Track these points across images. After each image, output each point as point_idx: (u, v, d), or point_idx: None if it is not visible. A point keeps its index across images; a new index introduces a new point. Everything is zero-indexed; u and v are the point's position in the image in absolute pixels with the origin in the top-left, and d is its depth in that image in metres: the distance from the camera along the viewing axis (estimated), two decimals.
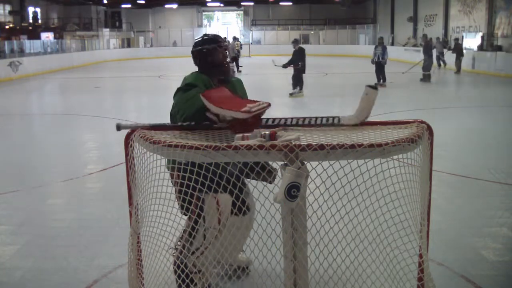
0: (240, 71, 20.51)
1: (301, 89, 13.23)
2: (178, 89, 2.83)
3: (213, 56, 2.94)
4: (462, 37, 24.63)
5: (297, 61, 12.81)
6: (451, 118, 10.03)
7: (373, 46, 16.29)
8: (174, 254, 2.80)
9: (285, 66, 12.98)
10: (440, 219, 4.39)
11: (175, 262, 2.75)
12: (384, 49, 15.62)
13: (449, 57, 20.44)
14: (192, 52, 3.05)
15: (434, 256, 3.53)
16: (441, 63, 21.02)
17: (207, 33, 3.39)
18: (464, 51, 20.58)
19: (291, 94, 13.13)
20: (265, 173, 2.68)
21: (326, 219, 2.25)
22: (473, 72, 20.02)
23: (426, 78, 16.67)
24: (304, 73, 13.14)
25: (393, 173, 2.20)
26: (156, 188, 2.28)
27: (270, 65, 23.84)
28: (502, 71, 18.26)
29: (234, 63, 20.11)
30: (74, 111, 11.77)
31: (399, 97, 14.40)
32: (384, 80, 15.48)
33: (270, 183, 2.66)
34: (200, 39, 3.08)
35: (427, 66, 16.67)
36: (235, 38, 22.43)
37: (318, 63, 24.34)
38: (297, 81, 13.13)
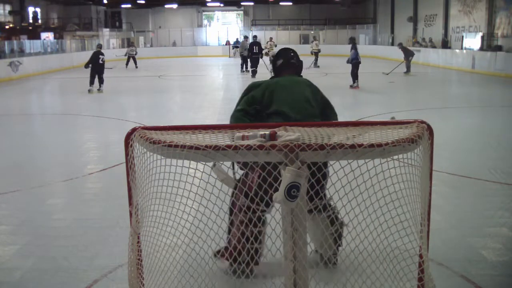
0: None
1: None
2: None
3: None
4: (463, 37, 24.66)
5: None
6: (451, 118, 10.02)
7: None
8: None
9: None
10: (440, 219, 4.39)
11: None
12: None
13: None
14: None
15: (434, 256, 3.53)
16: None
17: None
18: (466, 51, 20.47)
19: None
20: None
21: None
22: (473, 72, 20.02)
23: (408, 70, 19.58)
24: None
25: (393, 173, 2.19)
26: (156, 188, 2.28)
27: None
28: (502, 71, 18.25)
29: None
30: (74, 111, 11.77)
31: (399, 97, 14.41)
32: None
33: None
34: None
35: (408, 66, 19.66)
36: (246, 37, 22.91)
37: (318, 63, 24.32)
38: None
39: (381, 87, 16.23)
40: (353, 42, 16.39)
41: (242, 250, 2.62)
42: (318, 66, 23.36)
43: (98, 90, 15.10)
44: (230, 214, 3.12)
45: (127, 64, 24.31)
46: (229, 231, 3.19)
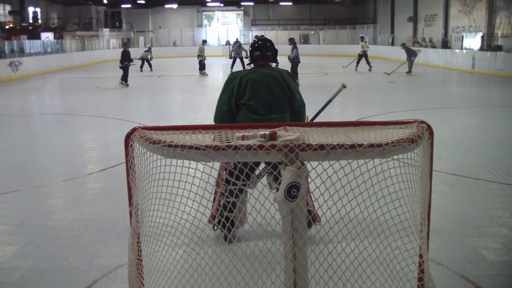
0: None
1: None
2: None
3: None
4: (463, 37, 24.67)
5: None
6: (451, 118, 10.03)
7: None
8: None
9: None
10: (440, 219, 4.39)
11: None
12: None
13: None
14: None
15: (434, 256, 3.53)
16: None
17: None
18: (466, 51, 20.44)
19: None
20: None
21: (326, 219, 2.25)
22: (473, 72, 20.02)
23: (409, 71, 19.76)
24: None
25: (393, 173, 2.20)
26: (156, 188, 2.28)
27: None
28: (502, 71, 18.25)
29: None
30: (74, 111, 11.77)
31: (399, 97, 14.41)
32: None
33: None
34: None
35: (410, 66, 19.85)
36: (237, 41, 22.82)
37: (318, 63, 24.34)
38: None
39: (381, 87, 16.23)
40: (293, 42, 17.28)
41: (221, 216, 3.27)
42: (371, 67, 21.61)
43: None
44: (216, 185, 3.59)
45: (141, 67, 23.42)
46: (214, 199, 3.76)
